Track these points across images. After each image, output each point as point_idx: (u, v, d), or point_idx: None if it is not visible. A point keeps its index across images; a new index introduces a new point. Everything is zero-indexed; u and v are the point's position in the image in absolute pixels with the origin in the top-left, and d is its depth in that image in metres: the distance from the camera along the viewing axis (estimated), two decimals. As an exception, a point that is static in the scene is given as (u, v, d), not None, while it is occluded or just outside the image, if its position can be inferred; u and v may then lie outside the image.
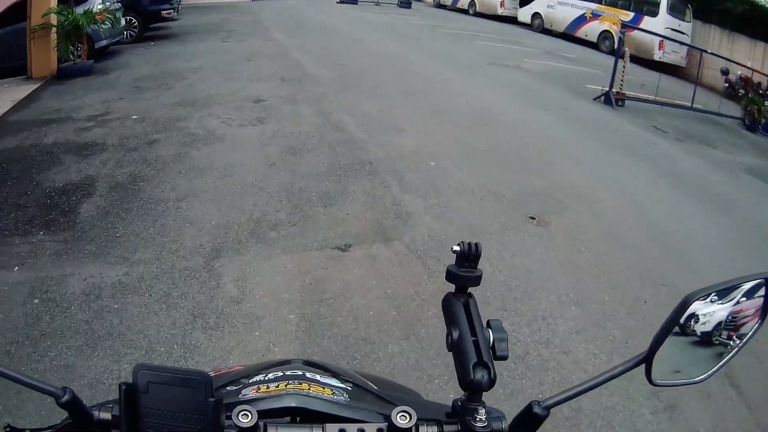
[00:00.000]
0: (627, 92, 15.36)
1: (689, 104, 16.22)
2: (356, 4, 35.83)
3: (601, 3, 27.12)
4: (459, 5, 38.51)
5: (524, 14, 32.20)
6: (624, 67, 15.25)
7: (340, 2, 36.22)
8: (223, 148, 8.21)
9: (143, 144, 8.27)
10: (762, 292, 1.17)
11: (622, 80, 15.25)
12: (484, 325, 1.12)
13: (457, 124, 10.29)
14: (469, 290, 1.18)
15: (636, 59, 24.86)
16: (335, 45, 18.22)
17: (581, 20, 27.93)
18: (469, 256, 1.15)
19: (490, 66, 17.49)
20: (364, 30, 22.54)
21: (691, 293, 1.10)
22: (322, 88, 11.95)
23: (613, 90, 15.05)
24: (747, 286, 1.16)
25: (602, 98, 15.31)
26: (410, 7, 36.62)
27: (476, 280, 1.16)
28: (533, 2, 31.27)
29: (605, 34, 26.59)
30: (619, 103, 15.17)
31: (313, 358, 1.98)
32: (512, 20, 33.43)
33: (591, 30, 27.41)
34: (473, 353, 1.06)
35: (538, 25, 30.95)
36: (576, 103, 14.51)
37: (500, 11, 34.60)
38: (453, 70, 16.03)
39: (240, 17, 24.90)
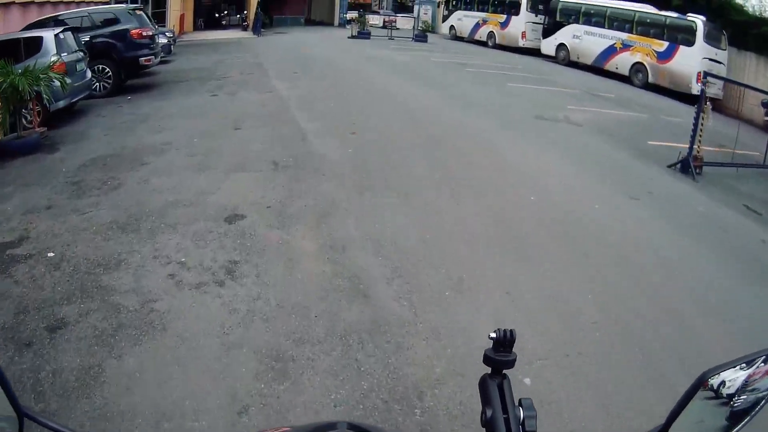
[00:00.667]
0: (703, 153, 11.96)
1: (760, 158, 12.61)
2: (369, 38, 32.54)
3: (632, 32, 24.04)
4: (477, 37, 35.22)
5: (548, 46, 28.89)
6: (703, 124, 11.80)
7: (352, 37, 33.07)
8: (156, 360, 4.57)
9: (38, 335, 4.76)
10: None
11: (699, 140, 11.82)
12: (516, 403, 1.20)
13: (539, 252, 6.62)
14: (504, 371, 1.25)
15: (669, 92, 21.58)
16: (347, 95, 14.69)
17: (611, 51, 24.81)
18: (504, 342, 1.24)
19: (536, 121, 13.82)
20: (380, 72, 19.08)
21: (706, 371, 1.12)
22: (330, 184, 8.26)
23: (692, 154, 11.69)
24: (763, 357, 1.16)
25: (678, 166, 11.82)
26: (426, 41, 33.33)
27: (511, 364, 1.25)
28: (558, 33, 28.04)
29: (638, 67, 23.50)
30: (698, 171, 11.71)
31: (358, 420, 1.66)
32: (535, 52, 30.17)
33: (622, 62, 24.23)
34: (503, 430, 1.15)
35: (563, 57, 27.68)
36: (653, 175, 10.79)
37: (522, 43, 31.25)
38: (498, 130, 12.39)
39: (239, 58, 21.58)
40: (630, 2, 24.95)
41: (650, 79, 22.89)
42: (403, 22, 35.90)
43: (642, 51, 23.24)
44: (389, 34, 33.97)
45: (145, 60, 15.35)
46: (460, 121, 12.77)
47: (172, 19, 32.08)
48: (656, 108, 18.26)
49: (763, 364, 1.15)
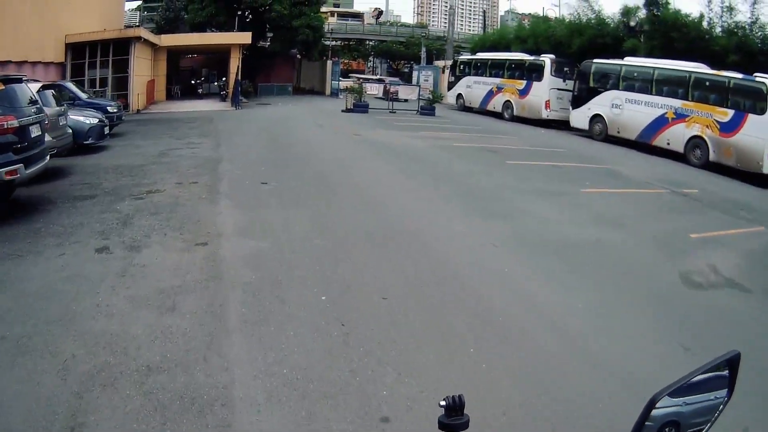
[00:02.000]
0: None
1: None
2: (366, 111, 26.63)
3: (686, 99, 18.53)
4: (490, 107, 29.52)
5: (579, 118, 23.34)
6: None
7: (347, 111, 27.06)
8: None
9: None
10: (726, 371, 1.23)
11: None
12: None
13: None
14: None
15: (735, 172, 16.74)
16: (345, 241, 8.01)
17: (660, 123, 19.49)
18: (455, 407, 1.30)
19: (688, 290, 7.05)
20: (391, 174, 12.78)
21: (655, 394, 1.14)
22: None
23: None
24: (710, 371, 1.20)
25: None
26: (434, 114, 27.44)
27: (465, 425, 1.30)
28: (592, 101, 22.52)
29: (695, 141, 18.22)
30: None
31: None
32: (560, 125, 25.15)
33: (675, 136, 18.99)
34: None
35: (599, 131, 22.18)
36: None
37: (545, 114, 26.09)
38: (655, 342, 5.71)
39: (195, 146, 15.00)
40: (680, 62, 19.96)
41: (711, 157, 17.79)
42: (406, 91, 30.33)
43: (700, 122, 18.19)
44: (390, 106, 28.23)
45: (8, 173, 8.64)
46: (569, 309, 6.28)
47: (137, 87, 26.19)
48: (754, 207, 12.51)
49: (710, 376, 1.20)
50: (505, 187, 12.15)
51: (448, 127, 22.96)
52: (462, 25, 77.82)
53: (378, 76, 62.18)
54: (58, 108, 12.13)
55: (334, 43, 55.62)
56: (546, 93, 25.93)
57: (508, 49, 31.71)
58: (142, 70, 27.51)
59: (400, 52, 58.12)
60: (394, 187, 11.61)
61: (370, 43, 62.87)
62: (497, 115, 28.91)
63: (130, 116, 24.08)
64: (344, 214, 9.21)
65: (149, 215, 8.79)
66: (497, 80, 29.29)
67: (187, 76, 38.38)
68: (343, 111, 27.30)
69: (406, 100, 29.90)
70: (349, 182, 11.74)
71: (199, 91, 33.61)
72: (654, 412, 1.13)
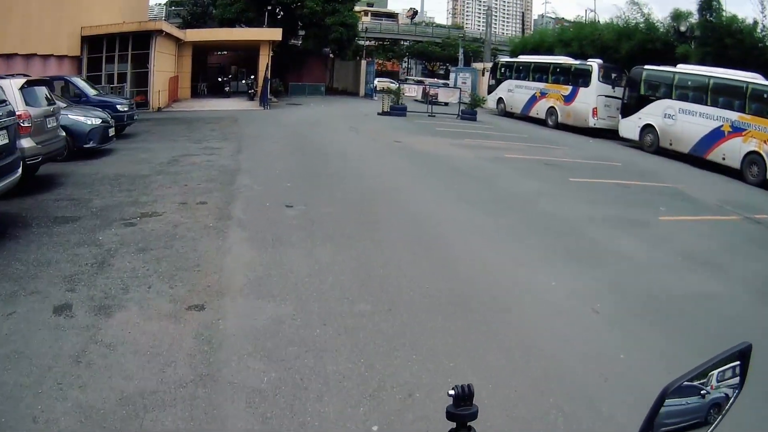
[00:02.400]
0: None
1: None
2: (405, 115, 24.50)
3: (743, 111, 16.79)
4: (533, 113, 27.28)
5: (629, 127, 21.27)
6: None
7: (384, 113, 24.92)
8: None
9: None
10: (737, 363, 1.21)
11: None
12: None
13: None
14: (468, 424, 1.28)
15: None
16: (384, 287, 5.90)
17: (716, 137, 17.42)
18: (464, 397, 1.27)
19: None
20: (439, 193, 10.57)
21: (667, 385, 1.12)
22: None
23: None
24: (722, 362, 1.18)
25: None
26: (475, 119, 25.13)
27: (473, 416, 1.28)
28: (643, 110, 20.54)
29: (752, 157, 16.26)
30: None
31: None
32: (608, 134, 23.14)
33: (731, 151, 16.99)
34: None
35: (650, 143, 20.14)
36: None
37: (592, 122, 23.82)
38: None
39: (212, 153, 12.67)
40: (736, 71, 18.07)
41: (769, 175, 15.84)
42: (446, 94, 27.92)
43: (758, 137, 16.35)
44: (429, 110, 25.98)
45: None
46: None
47: (157, 83, 24.20)
48: None
49: (722, 367, 1.18)
50: (578, 215, 9.74)
51: (493, 135, 20.54)
52: (496, 27, 75.08)
53: (416, 78, 59.96)
54: (46, 108, 9.98)
55: (368, 42, 53.43)
56: (593, 100, 23.83)
57: (550, 53, 29.47)
58: (163, 65, 25.54)
59: (436, 53, 55.73)
60: (451, 215, 9.21)
61: (405, 43, 60.55)
62: (540, 122, 26.54)
63: (149, 115, 22.09)
64: (395, 261, 6.82)
65: (135, 252, 6.55)
66: (541, 85, 27.13)
67: (215, 73, 36.42)
68: (379, 114, 25.06)
69: (446, 104, 27.48)
70: (396, 207, 9.37)
71: (226, 89, 31.59)
72: (666, 402, 1.12)
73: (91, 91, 15.79)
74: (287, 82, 38.06)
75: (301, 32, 40.00)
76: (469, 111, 25.96)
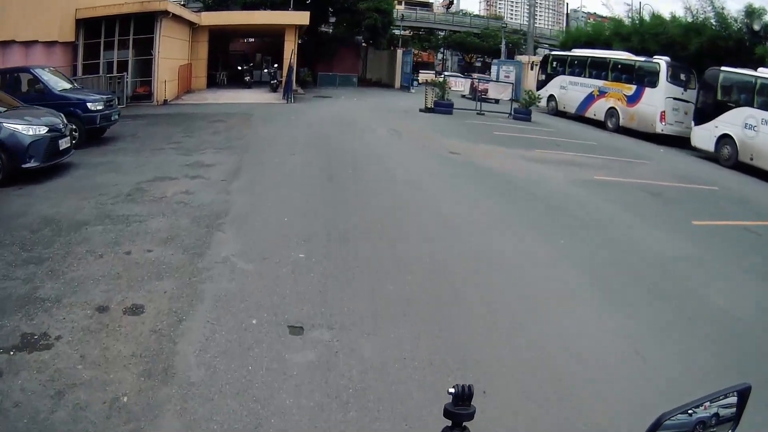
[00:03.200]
0: None
1: None
2: (451, 113, 20.56)
3: None
4: (589, 114, 23.91)
5: (703, 136, 17.76)
6: None
7: (427, 110, 21.07)
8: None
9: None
10: (734, 402, 1.20)
11: None
12: None
13: None
14: (463, 424, 1.28)
15: None
16: None
17: None
18: (463, 397, 1.26)
19: None
20: (546, 266, 6.31)
21: (664, 413, 1.12)
22: None
23: None
24: (719, 400, 1.19)
25: None
26: (530, 119, 21.19)
27: (470, 416, 1.27)
28: (719, 118, 17.17)
29: None
30: None
31: None
32: (676, 142, 19.69)
33: None
34: None
35: (728, 156, 16.67)
36: None
37: (660, 128, 20.29)
38: None
39: (197, 173, 8.72)
40: None
41: None
42: (497, 89, 23.78)
43: None
44: (478, 107, 22.01)
45: None
46: None
47: (163, 72, 20.46)
48: None
49: (719, 404, 1.18)
50: (749, 304, 5.69)
51: (562, 143, 16.36)
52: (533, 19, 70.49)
53: (452, 71, 55.66)
54: None
55: (403, 32, 49.20)
56: (661, 102, 20.44)
57: (607, 47, 25.81)
58: (172, 52, 21.75)
59: (474, 44, 51.21)
60: (582, 322, 5.09)
61: (441, 33, 56.13)
62: (597, 124, 22.94)
63: (150, 109, 18.35)
64: None
65: None
66: (599, 82, 23.59)
67: (238, 61, 32.47)
68: (421, 110, 21.19)
69: (496, 101, 23.40)
70: (504, 321, 5.23)
71: (246, 78, 27.65)
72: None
73: (58, 85, 12.00)
74: (316, 71, 34.13)
75: (332, 18, 36.01)
76: (523, 110, 21.84)
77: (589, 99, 24.01)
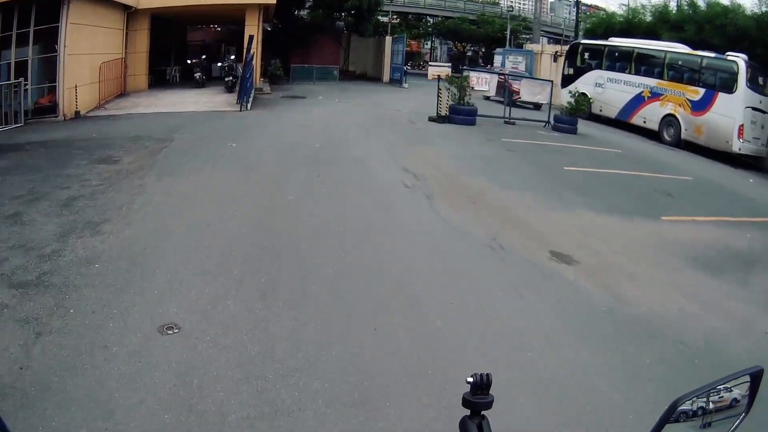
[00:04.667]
0: None
1: None
2: (474, 124, 14.99)
3: None
4: (636, 120, 19.15)
5: None
6: None
7: (440, 120, 15.49)
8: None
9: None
10: (747, 387, 1.16)
11: None
12: None
13: None
14: (482, 413, 1.21)
15: None
16: None
17: None
18: (481, 386, 1.21)
19: None
20: None
21: (679, 397, 1.10)
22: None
23: None
24: (732, 383, 1.16)
25: None
26: (576, 131, 15.69)
27: (488, 405, 1.22)
28: None
29: None
30: None
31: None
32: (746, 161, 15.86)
33: None
34: None
35: None
36: None
37: (737, 145, 15.66)
38: None
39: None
40: None
41: None
42: (531, 90, 18.00)
43: None
44: (507, 115, 16.44)
45: None
46: None
47: (73, 74, 14.69)
48: None
49: (731, 387, 1.16)
50: None
51: (671, 188, 10.67)
52: (525, 5, 64.12)
53: (441, 61, 50.11)
54: None
55: (389, 19, 43.33)
56: (739, 113, 15.88)
57: (651, 37, 20.75)
58: (89, 45, 15.81)
59: (470, 31, 45.41)
60: None
61: (431, 20, 50.37)
62: (646, 133, 18.40)
63: (42, 130, 12.49)
64: None
65: None
66: (651, 81, 18.76)
67: (197, 54, 26.33)
68: (432, 119, 15.63)
69: (535, 106, 18.05)
70: None
71: (196, 76, 21.67)
72: (674, 416, 1.11)
73: None
74: (289, 64, 28.31)
75: (309, 0, 30.22)
76: (567, 119, 16.33)
77: (637, 101, 19.12)
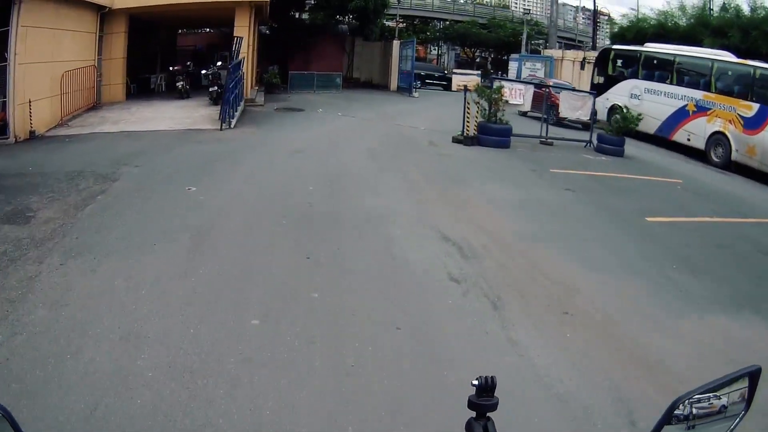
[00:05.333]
0: None
1: None
2: (507, 146, 12.51)
3: None
4: (678, 137, 16.75)
5: None
6: None
7: (466, 141, 13.00)
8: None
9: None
10: (746, 384, 1.17)
11: None
12: None
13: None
14: (487, 414, 1.23)
15: None
16: None
17: None
18: (486, 388, 1.23)
19: None
20: None
21: (679, 396, 1.12)
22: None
23: None
24: (730, 383, 1.16)
25: None
26: (623, 153, 13.20)
27: (494, 407, 1.23)
28: None
29: None
30: None
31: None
32: None
33: None
34: None
35: None
36: None
37: None
38: None
39: None
40: None
41: None
42: (573, 103, 15.25)
43: None
44: (544, 134, 14.12)
45: None
46: None
47: (27, 87, 12.30)
48: None
49: (731, 387, 1.15)
50: None
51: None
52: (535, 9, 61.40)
53: (501, 74, 47.80)
54: None
55: (394, 22, 40.89)
56: None
57: (688, 42, 19.07)
58: (48, 52, 13.30)
59: (481, 36, 42.91)
60: None
61: (439, 24, 47.95)
62: (689, 151, 16.11)
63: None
64: None
65: None
66: (696, 93, 16.31)
67: (191, 59, 23.85)
68: (457, 140, 13.18)
69: (583, 125, 15.62)
70: None
71: (179, 86, 19.18)
72: (674, 416, 1.11)
73: None
74: (286, 69, 25.90)
75: (309, 1, 27.84)
76: (613, 138, 13.84)
77: (680, 116, 16.70)
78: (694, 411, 1.14)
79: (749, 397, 1.17)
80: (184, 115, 14.82)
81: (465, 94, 13.24)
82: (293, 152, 11.42)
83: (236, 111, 15.05)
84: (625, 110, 14.52)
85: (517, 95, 13.39)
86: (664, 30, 20.86)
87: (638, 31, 22.02)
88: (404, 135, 14.29)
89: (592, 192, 9.78)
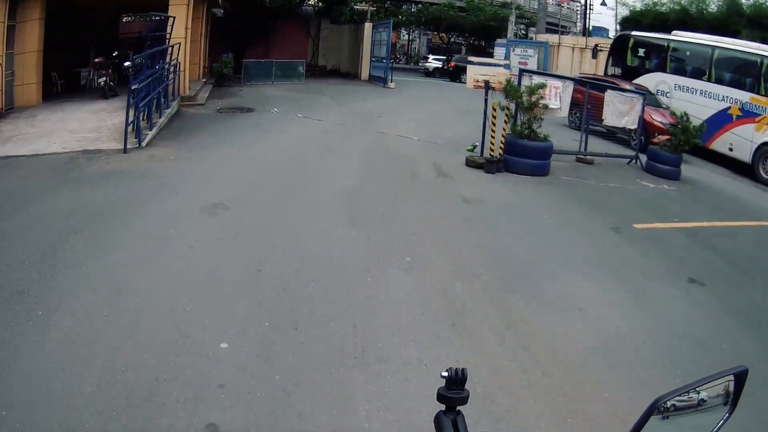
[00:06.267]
0: None
1: None
2: (547, 173, 8.67)
3: None
4: (717, 146, 13.79)
5: None
6: None
7: (488, 166, 9.19)
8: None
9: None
10: (731, 387, 1.12)
11: None
12: None
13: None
14: (457, 408, 1.18)
15: None
16: None
17: None
18: (456, 381, 1.18)
19: None
20: None
21: (660, 396, 1.06)
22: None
23: None
24: (716, 382, 1.12)
25: None
26: (679, 176, 9.77)
27: (464, 400, 1.18)
28: None
29: None
30: None
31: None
32: None
33: None
34: None
35: None
36: None
37: None
38: None
39: None
40: None
41: None
42: (619, 107, 11.54)
43: None
44: (583, 148, 10.73)
45: None
46: None
47: None
48: None
49: (711, 388, 1.11)
50: None
51: None
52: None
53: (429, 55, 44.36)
54: None
55: (364, 6, 37.11)
56: None
57: (717, 32, 16.13)
58: None
59: (457, 19, 39.42)
60: None
61: (412, 8, 44.25)
62: (728, 162, 13.52)
63: None
64: None
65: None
66: (742, 95, 13.43)
67: (124, 50, 19.78)
68: (472, 164, 9.64)
69: (631, 138, 12.33)
70: None
71: (101, 82, 15.24)
72: (655, 415, 1.06)
73: None
74: (241, 56, 22.13)
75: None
76: (669, 156, 10.46)
77: (721, 120, 13.67)
78: (676, 404, 1.08)
79: (735, 398, 1.11)
80: (93, 126, 10.95)
81: (486, 97, 9.61)
82: (208, 213, 6.81)
83: (162, 116, 11.32)
84: (684, 118, 11.11)
85: (552, 96, 9.77)
86: (687, 16, 17.63)
87: (656, 16, 18.75)
88: (395, 154, 10.51)
89: (725, 280, 6.15)
